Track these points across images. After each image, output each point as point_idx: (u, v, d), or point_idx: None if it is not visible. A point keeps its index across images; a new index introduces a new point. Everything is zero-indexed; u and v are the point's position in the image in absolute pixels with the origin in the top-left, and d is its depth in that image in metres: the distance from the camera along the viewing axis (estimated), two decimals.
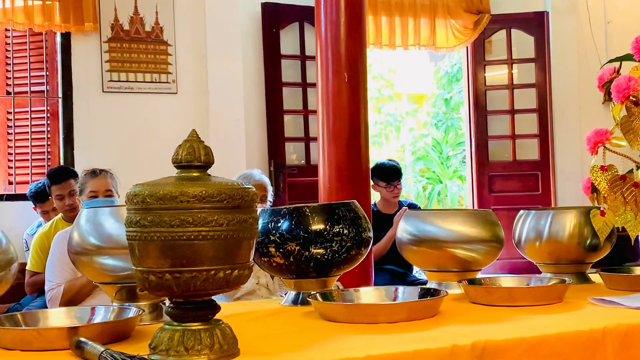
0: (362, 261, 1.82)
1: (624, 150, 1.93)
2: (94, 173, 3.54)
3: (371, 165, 4.40)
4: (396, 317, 1.48)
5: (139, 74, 5.70)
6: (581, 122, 6.60)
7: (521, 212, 2.15)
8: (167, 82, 5.78)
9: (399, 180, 5.13)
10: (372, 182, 5.12)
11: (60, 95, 5.58)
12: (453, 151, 11.82)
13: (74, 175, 4.37)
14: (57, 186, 4.35)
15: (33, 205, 4.95)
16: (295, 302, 1.76)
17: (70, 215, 4.20)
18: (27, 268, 4.32)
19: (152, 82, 5.73)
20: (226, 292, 1.25)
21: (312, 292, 1.66)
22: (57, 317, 1.47)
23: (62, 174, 4.43)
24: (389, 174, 5.07)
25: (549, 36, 6.86)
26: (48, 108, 5.64)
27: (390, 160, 5.46)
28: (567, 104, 6.82)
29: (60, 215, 4.37)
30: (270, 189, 4.10)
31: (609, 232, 1.98)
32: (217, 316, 1.22)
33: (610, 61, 2.05)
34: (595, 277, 2.07)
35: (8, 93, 5.62)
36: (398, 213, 4.85)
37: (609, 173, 1.93)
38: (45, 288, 3.27)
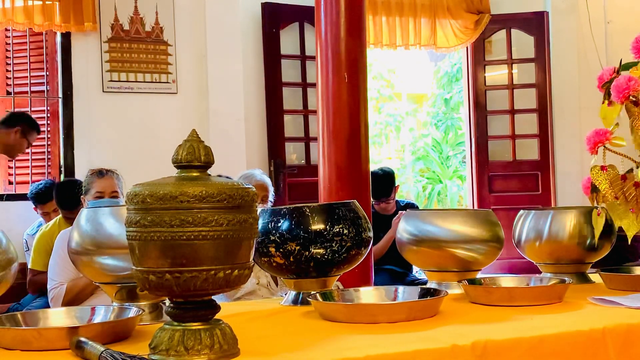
0: (362, 261, 1.82)
1: (624, 150, 1.92)
2: (101, 173, 3.51)
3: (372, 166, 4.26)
4: (396, 317, 1.48)
5: (139, 74, 5.69)
6: (581, 122, 6.59)
7: (521, 212, 2.15)
8: (167, 82, 5.77)
9: (387, 198, 4.88)
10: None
11: (60, 95, 5.58)
12: (453, 151, 11.81)
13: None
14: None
15: (34, 206, 4.95)
16: (295, 302, 1.76)
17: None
18: (29, 267, 4.32)
19: (152, 82, 5.73)
20: (226, 292, 1.25)
21: (312, 292, 1.66)
22: (57, 317, 1.47)
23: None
24: (375, 191, 4.51)
25: (549, 36, 6.86)
26: (48, 108, 5.64)
27: (385, 171, 5.00)
28: (567, 104, 6.81)
29: (61, 215, 4.38)
30: (271, 189, 4.10)
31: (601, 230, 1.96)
32: (217, 316, 1.22)
33: (623, 69, 2.00)
34: (595, 277, 2.07)
35: (8, 93, 5.62)
36: (396, 217, 4.74)
37: (609, 173, 1.93)
38: (48, 287, 3.27)
